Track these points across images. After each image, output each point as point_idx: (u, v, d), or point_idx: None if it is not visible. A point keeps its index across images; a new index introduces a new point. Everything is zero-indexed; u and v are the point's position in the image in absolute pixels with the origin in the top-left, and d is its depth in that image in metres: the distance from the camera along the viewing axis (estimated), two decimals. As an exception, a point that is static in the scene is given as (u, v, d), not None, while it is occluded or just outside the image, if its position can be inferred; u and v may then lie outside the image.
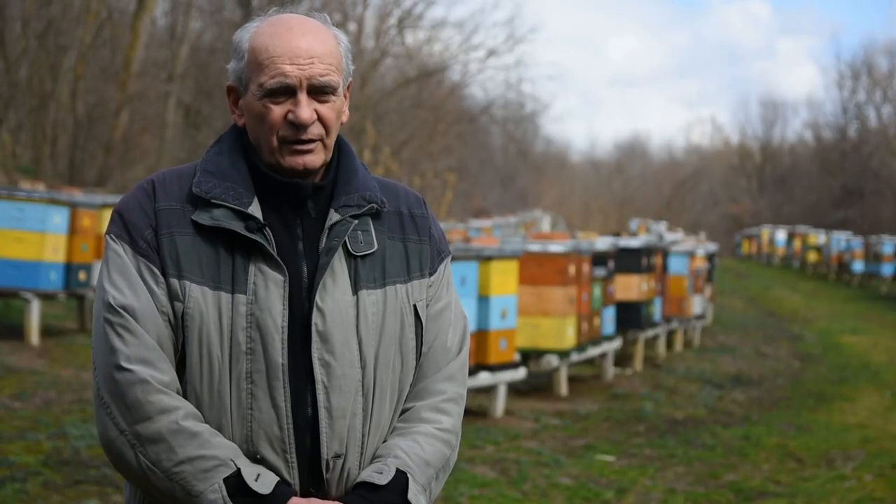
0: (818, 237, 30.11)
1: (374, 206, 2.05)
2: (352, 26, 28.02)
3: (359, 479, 1.97)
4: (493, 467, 6.69)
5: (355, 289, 2.00)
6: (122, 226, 1.98)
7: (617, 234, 15.00)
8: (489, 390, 8.35)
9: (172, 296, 1.94)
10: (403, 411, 2.08)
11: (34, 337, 9.36)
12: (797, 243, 31.52)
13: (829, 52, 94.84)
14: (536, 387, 9.74)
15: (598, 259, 10.23)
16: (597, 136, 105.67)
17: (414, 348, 2.08)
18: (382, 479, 1.95)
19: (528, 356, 8.98)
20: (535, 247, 9.22)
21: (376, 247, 2.04)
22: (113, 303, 1.93)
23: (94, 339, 1.97)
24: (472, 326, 7.90)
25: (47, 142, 17.61)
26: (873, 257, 24.97)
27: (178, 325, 1.94)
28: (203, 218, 1.95)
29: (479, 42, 40.88)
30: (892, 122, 42.60)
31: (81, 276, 9.80)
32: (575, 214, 34.39)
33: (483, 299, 8.06)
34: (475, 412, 8.40)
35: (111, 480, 5.57)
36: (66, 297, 10.07)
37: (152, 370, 1.90)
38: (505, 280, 8.27)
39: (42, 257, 9.33)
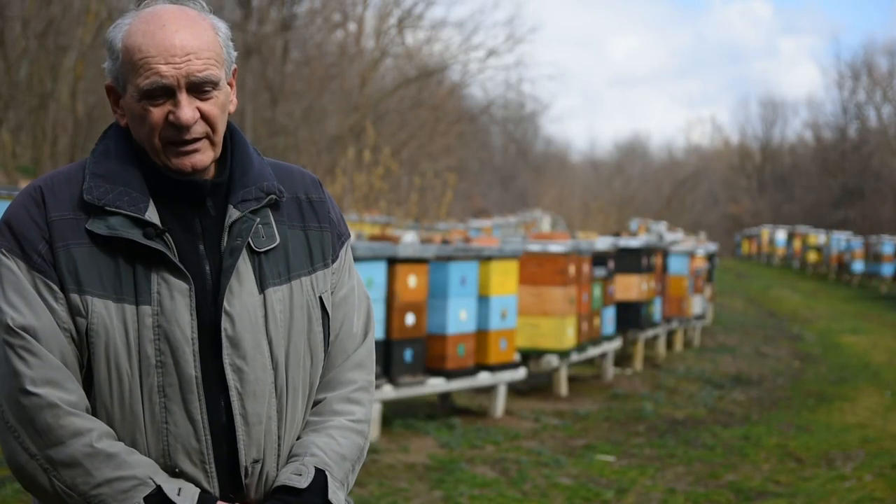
0: (818, 237, 30.12)
1: (273, 196, 1.98)
2: (352, 26, 28.04)
3: (278, 483, 1.94)
4: (493, 467, 6.69)
5: (261, 287, 1.94)
6: (13, 239, 1.87)
7: (617, 234, 15.00)
8: (489, 390, 8.35)
9: (74, 311, 1.85)
10: (315, 403, 2.04)
11: (34, 337, 9.36)
12: (797, 243, 31.53)
13: (829, 52, 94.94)
14: (536, 387, 9.74)
15: (598, 259, 10.23)
16: (597, 136, 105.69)
17: (322, 341, 2.03)
18: (303, 482, 1.92)
19: (528, 356, 8.98)
20: (535, 247, 9.22)
21: (278, 240, 1.98)
22: (11, 324, 1.83)
23: None
24: (472, 326, 7.91)
25: (47, 142, 17.61)
26: (873, 257, 24.97)
27: (83, 342, 1.85)
28: (98, 227, 1.86)
29: (479, 42, 40.86)
30: (892, 122, 42.62)
31: (81, 276, 9.79)
32: (575, 214, 34.35)
33: (483, 299, 8.06)
34: (475, 412, 8.40)
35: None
36: (66, 297, 10.07)
37: (60, 391, 1.82)
38: (505, 280, 8.27)
39: (42, 257, 9.33)
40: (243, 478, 1.93)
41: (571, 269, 9.26)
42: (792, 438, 8.09)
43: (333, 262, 2.07)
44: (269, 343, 1.94)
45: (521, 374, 8.43)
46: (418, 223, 18.93)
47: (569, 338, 9.20)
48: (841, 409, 9.60)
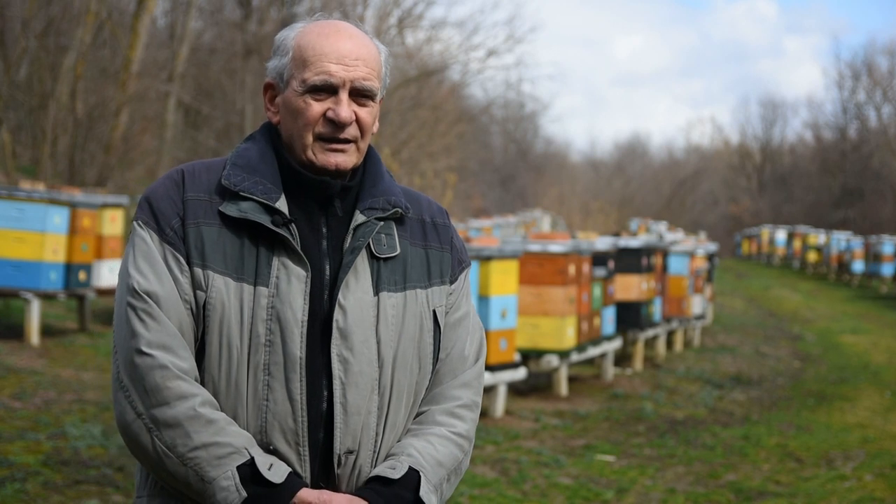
0: (818, 237, 30.10)
1: (399, 210, 2.10)
2: (352, 26, 28.01)
3: (371, 474, 2.01)
4: (493, 467, 6.69)
5: (376, 290, 2.04)
6: (150, 213, 2.01)
7: (617, 234, 15.00)
8: (489, 390, 8.34)
9: (196, 285, 1.97)
10: (418, 414, 2.11)
11: (34, 337, 9.36)
12: (797, 243, 31.50)
13: (830, 53, 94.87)
14: (536, 387, 9.74)
15: (598, 259, 10.23)
16: (597, 136, 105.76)
17: (431, 353, 2.11)
18: (395, 474, 1.98)
19: (528, 356, 8.98)
20: (535, 247, 9.22)
21: (399, 251, 2.09)
22: (137, 288, 1.96)
23: (116, 323, 2.00)
24: (472, 326, 7.90)
25: (47, 142, 17.59)
26: (873, 257, 24.95)
27: (200, 314, 1.97)
28: (230, 210, 1.99)
29: (479, 42, 40.85)
30: (892, 122, 42.61)
31: (81, 276, 9.80)
32: (575, 214, 34.39)
33: (483, 299, 8.06)
34: (475, 412, 8.40)
35: (111, 480, 5.57)
36: (66, 297, 10.06)
37: (172, 356, 1.93)
38: (505, 280, 8.27)
39: (42, 257, 9.33)
40: (336, 467, 2.00)
41: (571, 269, 9.26)
42: (792, 438, 8.09)
43: (452, 283, 2.18)
44: (378, 342, 2.03)
45: (521, 374, 8.43)
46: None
47: (569, 338, 9.20)
48: (841, 409, 9.60)
